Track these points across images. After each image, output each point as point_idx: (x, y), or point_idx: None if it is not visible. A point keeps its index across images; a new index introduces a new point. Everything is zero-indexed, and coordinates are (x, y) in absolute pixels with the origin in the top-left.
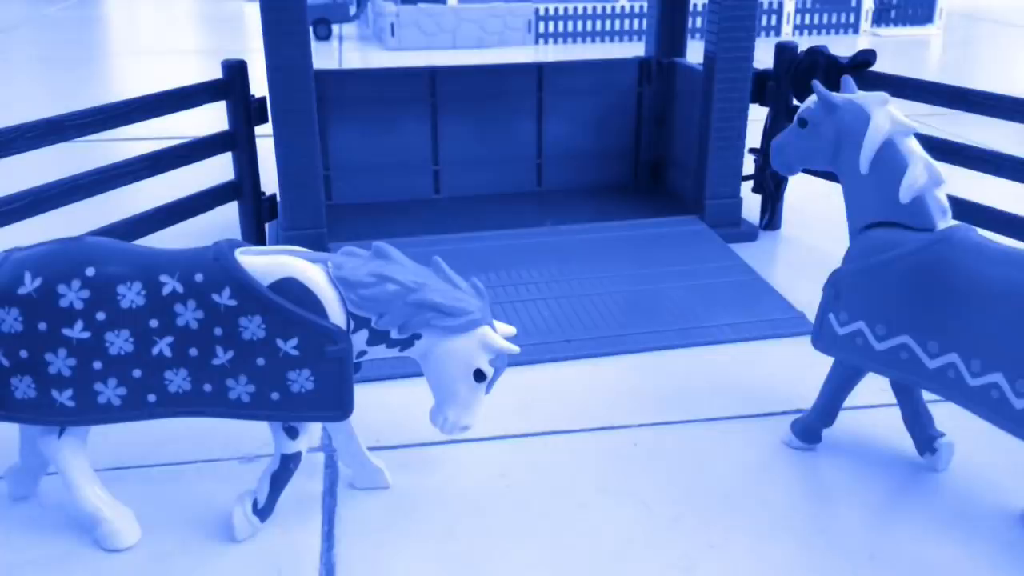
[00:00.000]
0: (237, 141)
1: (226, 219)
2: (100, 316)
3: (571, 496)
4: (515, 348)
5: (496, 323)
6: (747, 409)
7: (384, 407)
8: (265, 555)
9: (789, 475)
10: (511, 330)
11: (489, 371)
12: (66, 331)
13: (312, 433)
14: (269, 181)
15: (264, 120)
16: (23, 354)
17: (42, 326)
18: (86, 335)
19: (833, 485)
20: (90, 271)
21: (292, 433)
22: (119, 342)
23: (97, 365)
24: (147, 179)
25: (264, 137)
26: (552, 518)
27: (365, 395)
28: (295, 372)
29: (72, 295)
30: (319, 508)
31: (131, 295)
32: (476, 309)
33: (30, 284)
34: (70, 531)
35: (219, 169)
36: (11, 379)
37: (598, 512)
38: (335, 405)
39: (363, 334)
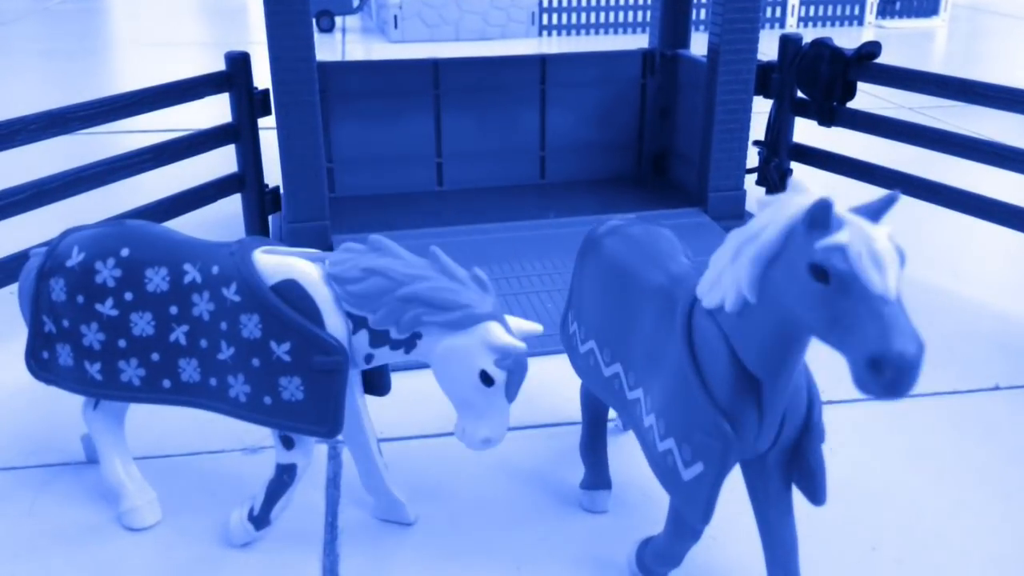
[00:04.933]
0: (240, 133)
1: (229, 211)
2: (128, 296)
3: (574, 489)
4: (522, 345)
5: (513, 319)
6: None
7: (385, 399)
8: (265, 555)
9: None
10: (535, 327)
11: (496, 373)
12: (98, 306)
13: (308, 447)
14: (272, 173)
15: (267, 112)
16: (65, 323)
17: (80, 299)
18: (115, 312)
19: (835, 479)
20: (124, 251)
21: (287, 443)
22: (142, 324)
23: (121, 343)
24: (150, 171)
25: (267, 129)
26: (554, 512)
27: None
28: (286, 378)
29: (106, 272)
30: (322, 502)
31: (157, 279)
32: (474, 302)
33: (75, 258)
34: (100, 505)
35: (222, 161)
36: (56, 345)
37: None
38: (323, 420)
39: (363, 335)
